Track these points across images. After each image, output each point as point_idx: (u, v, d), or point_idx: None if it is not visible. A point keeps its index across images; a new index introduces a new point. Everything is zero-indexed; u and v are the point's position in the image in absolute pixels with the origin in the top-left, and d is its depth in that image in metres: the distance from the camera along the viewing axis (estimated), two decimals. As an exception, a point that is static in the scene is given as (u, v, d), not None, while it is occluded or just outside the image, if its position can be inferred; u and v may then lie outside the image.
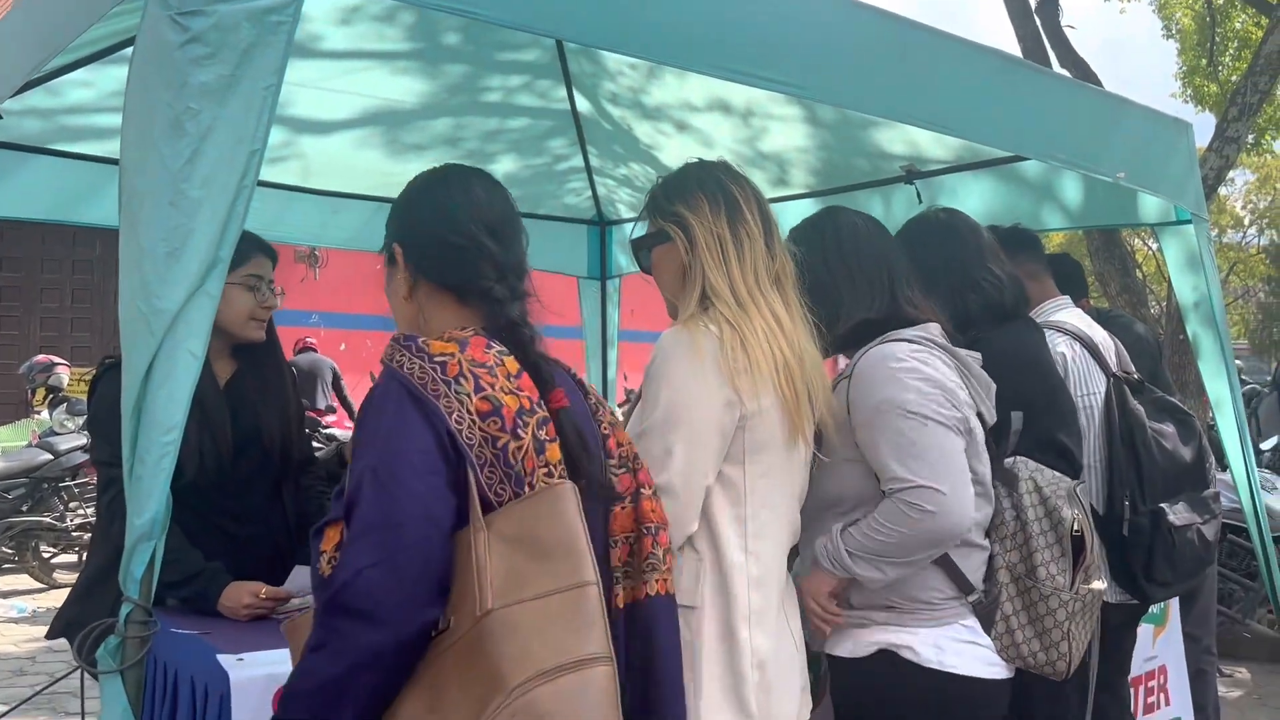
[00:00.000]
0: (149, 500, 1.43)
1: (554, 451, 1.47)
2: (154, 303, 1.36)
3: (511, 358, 1.50)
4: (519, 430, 1.43)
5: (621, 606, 1.59)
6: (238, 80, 1.39)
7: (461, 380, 1.41)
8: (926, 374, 1.91)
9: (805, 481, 1.93)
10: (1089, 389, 2.71)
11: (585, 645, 1.26)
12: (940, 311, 2.11)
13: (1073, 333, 2.75)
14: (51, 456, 7.16)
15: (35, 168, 3.28)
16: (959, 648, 1.93)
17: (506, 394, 1.44)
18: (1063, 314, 2.86)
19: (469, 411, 1.40)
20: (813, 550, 1.98)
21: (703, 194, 1.87)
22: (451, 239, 1.56)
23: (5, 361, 11.36)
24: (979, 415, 2.02)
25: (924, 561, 1.89)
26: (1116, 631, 2.68)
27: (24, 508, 7.01)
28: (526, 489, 1.41)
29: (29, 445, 7.48)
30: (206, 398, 2.28)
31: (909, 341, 1.97)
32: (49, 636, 2.38)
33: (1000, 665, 1.99)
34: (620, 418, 1.81)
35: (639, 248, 2.00)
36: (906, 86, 2.28)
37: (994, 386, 2.08)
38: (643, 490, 1.64)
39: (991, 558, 2.03)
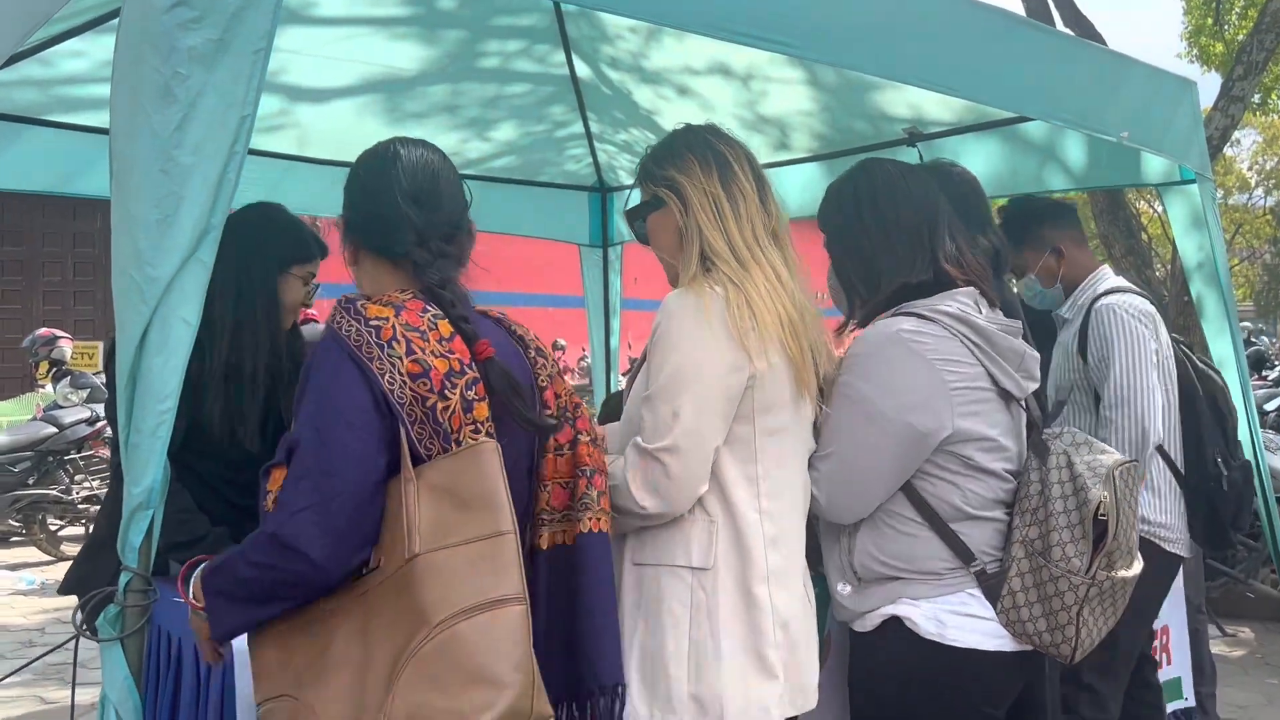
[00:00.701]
0: (146, 469, 1.43)
1: (481, 410, 1.57)
2: (146, 270, 1.35)
3: (445, 320, 1.60)
4: (447, 391, 1.53)
5: (545, 548, 1.71)
6: (227, 45, 1.36)
7: (394, 344, 1.52)
8: (899, 368, 1.90)
9: (812, 439, 1.94)
10: (1166, 352, 2.82)
11: (500, 587, 1.40)
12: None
13: (1147, 298, 2.85)
14: (56, 429, 7.18)
15: (31, 139, 3.26)
16: (960, 621, 1.91)
17: (436, 357, 1.54)
18: (1118, 279, 2.95)
19: (400, 373, 1.50)
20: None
21: (692, 155, 1.87)
22: (376, 209, 1.69)
23: (9, 336, 11.38)
24: (1001, 389, 1.96)
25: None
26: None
27: (30, 481, 7.05)
28: (454, 445, 1.53)
29: (33, 419, 7.51)
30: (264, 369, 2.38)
31: (918, 316, 1.94)
32: (61, 592, 2.42)
33: (1007, 638, 1.93)
34: (623, 382, 1.83)
35: (634, 218, 1.99)
36: (906, 46, 2.25)
37: (1032, 356, 2.03)
38: (581, 436, 1.75)
39: (1011, 529, 1.97)
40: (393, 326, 1.53)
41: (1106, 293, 2.84)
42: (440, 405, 1.52)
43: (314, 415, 1.48)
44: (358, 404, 1.47)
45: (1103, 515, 1.90)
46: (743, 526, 1.78)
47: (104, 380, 8.36)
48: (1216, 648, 4.95)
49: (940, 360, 1.90)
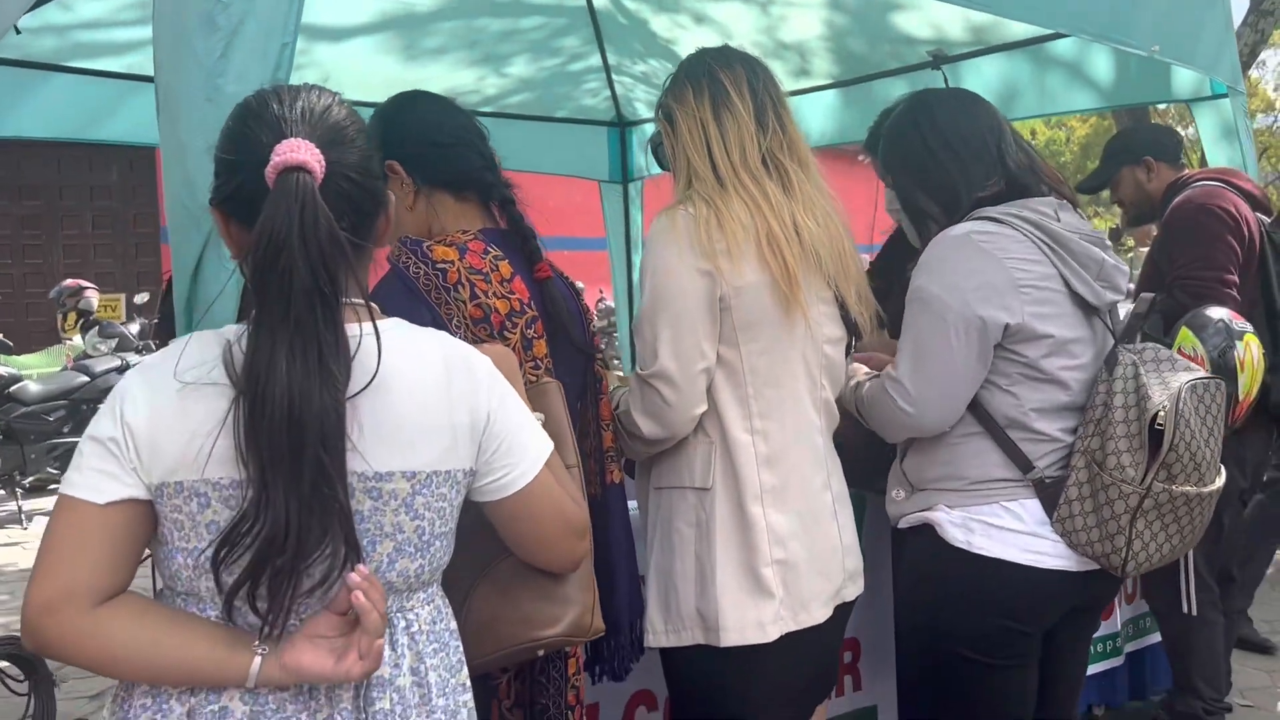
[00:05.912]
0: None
1: (540, 347, 1.68)
2: (199, 198, 1.36)
3: (505, 262, 1.68)
4: (506, 333, 1.63)
5: (617, 481, 1.81)
6: (266, -28, 1.37)
7: (459, 288, 1.60)
8: (968, 266, 1.87)
9: (825, 361, 1.90)
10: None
11: None
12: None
13: None
14: (88, 379, 7.26)
15: (54, 86, 3.27)
16: (989, 530, 1.90)
17: (498, 299, 1.64)
18: None
19: (464, 317, 1.60)
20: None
21: (688, 82, 1.88)
22: (442, 139, 1.76)
23: (31, 290, 11.46)
24: (1077, 295, 1.92)
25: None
26: None
27: (65, 430, 7.14)
28: None
29: (64, 369, 7.60)
30: None
31: (989, 219, 1.91)
32: None
33: (1047, 555, 1.90)
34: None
35: (653, 149, 2.02)
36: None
37: (1115, 267, 1.97)
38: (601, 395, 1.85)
39: (1075, 439, 1.92)
40: (458, 270, 1.61)
41: None
42: None
43: None
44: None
45: (1159, 425, 1.84)
46: (734, 447, 1.80)
47: (135, 329, 8.43)
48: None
49: (1009, 258, 1.87)
